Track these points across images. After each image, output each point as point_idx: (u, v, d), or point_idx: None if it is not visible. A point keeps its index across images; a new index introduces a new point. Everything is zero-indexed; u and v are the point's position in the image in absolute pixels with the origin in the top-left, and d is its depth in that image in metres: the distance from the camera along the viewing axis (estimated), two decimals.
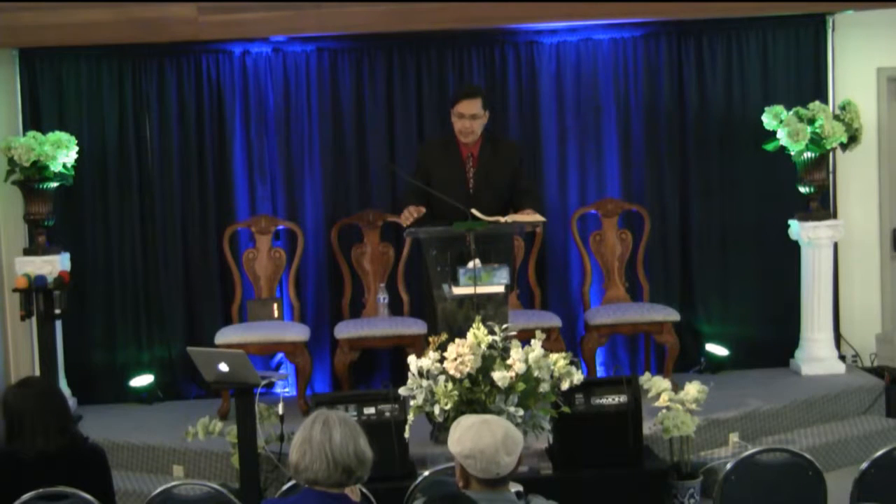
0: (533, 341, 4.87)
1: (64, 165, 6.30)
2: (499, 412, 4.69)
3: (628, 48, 6.93)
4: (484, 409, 4.67)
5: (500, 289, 5.33)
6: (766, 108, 6.53)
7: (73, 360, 6.63)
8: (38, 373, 6.31)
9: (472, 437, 3.19)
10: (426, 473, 4.27)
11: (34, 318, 6.16)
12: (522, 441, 3.29)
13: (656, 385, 5.29)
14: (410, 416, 4.88)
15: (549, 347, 4.99)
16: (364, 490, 3.94)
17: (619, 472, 5.15)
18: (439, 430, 5.16)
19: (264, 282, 6.73)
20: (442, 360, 4.81)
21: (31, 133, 6.29)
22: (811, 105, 6.48)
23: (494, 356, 4.83)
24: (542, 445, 5.31)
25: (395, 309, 6.69)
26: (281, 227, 6.79)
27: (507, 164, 5.76)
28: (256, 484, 4.81)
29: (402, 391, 4.89)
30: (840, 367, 6.70)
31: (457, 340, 4.83)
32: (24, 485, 3.90)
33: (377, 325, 6.41)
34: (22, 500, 3.87)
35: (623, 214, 6.91)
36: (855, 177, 7.05)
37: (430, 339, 4.90)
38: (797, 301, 6.74)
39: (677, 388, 5.42)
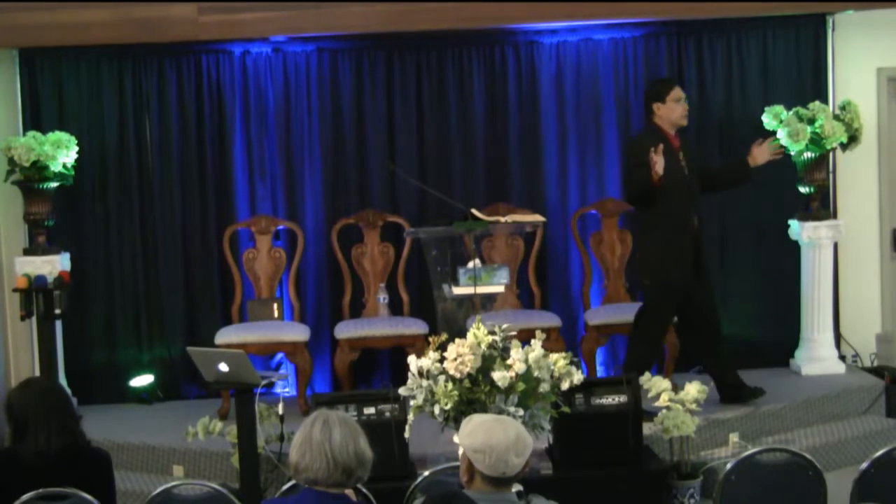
0: (533, 341, 4.87)
1: (64, 165, 6.30)
2: (499, 412, 4.69)
3: (628, 48, 6.93)
4: (484, 409, 4.67)
5: (500, 289, 5.34)
6: (766, 108, 6.53)
7: (73, 360, 6.63)
8: (38, 373, 6.31)
9: (484, 431, 3.20)
10: (426, 473, 4.27)
11: (34, 318, 6.16)
12: (532, 445, 3.29)
13: (656, 385, 5.29)
14: (410, 416, 4.88)
15: (549, 347, 4.99)
16: (364, 490, 3.94)
17: (619, 472, 5.14)
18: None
19: (264, 282, 6.73)
20: (442, 360, 4.81)
21: (31, 133, 6.29)
22: (811, 105, 6.48)
23: (494, 356, 4.83)
24: (542, 445, 5.31)
25: (395, 309, 6.69)
26: (281, 227, 6.79)
27: (693, 149, 6.10)
28: (256, 484, 4.81)
29: (402, 391, 4.89)
30: (840, 367, 6.70)
31: (457, 340, 4.84)
32: (27, 485, 3.90)
33: (377, 325, 6.42)
34: (22, 500, 3.87)
35: (623, 214, 6.91)
36: (855, 177, 7.05)
37: (431, 339, 4.91)
38: (797, 301, 6.74)
39: (677, 388, 5.42)
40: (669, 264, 5.86)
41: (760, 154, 6.12)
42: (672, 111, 5.92)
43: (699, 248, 5.97)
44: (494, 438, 3.17)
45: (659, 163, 5.63)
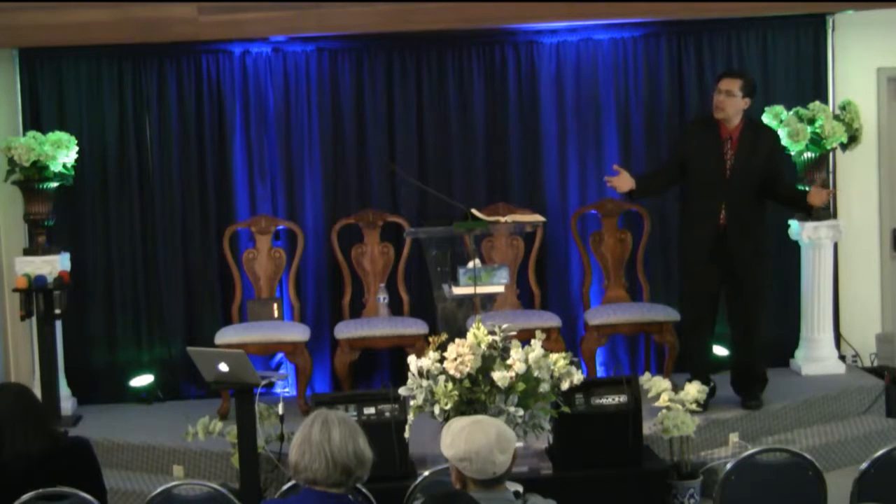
0: (533, 341, 4.87)
1: (64, 165, 6.30)
2: (499, 412, 4.70)
3: (628, 48, 6.93)
4: (484, 409, 4.68)
5: (500, 289, 5.34)
6: (766, 108, 6.53)
7: (73, 360, 6.63)
8: (38, 373, 6.31)
9: (465, 439, 3.19)
10: (426, 473, 4.27)
11: (34, 318, 6.17)
12: (515, 438, 3.29)
13: (656, 385, 5.29)
14: (410, 416, 4.89)
15: (549, 347, 5.00)
16: (364, 490, 3.94)
17: (619, 472, 5.15)
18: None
19: (264, 282, 6.73)
20: (442, 360, 4.81)
21: (31, 133, 6.29)
22: (811, 105, 6.49)
23: (494, 356, 4.83)
24: (542, 445, 5.31)
25: (395, 309, 6.69)
26: (281, 227, 6.79)
27: (764, 151, 5.93)
28: (256, 484, 4.81)
29: (402, 391, 4.90)
30: (840, 367, 6.71)
31: (457, 340, 4.84)
32: (12, 490, 3.90)
33: (377, 325, 6.41)
34: (22, 500, 3.87)
35: (623, 214, 6.91)
36: (855, 177, 7.05)
37: (431, 339, 4.92)
38: (797, 301, 6.74)
39: (677, 388, 5.42)
40: (687, 251, 6.09)
41: (817, 197, 5.99)
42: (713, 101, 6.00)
43: (728, 245, 5.88)
44: (476, 443, 3.16)
45: (614, 184, 5.89)
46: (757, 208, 5.97)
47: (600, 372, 6.75)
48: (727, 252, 5.89)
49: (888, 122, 7.08)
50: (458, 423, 3.27)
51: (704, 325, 6.05)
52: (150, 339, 6.84)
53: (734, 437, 5.78)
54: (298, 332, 6.36)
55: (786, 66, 6.94)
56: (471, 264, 5.18)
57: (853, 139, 6.55)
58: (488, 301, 5.40)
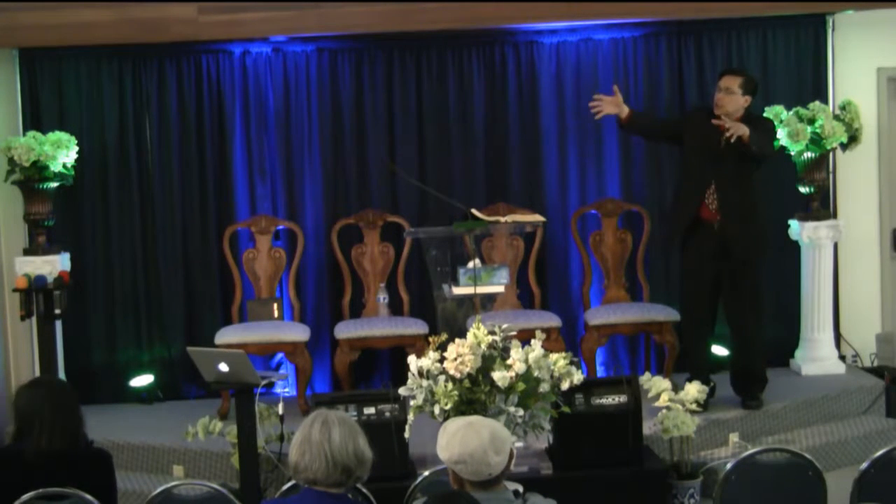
0: (533, 341, 4.87)
1: (64, 165, 6.30)
2: (499, 412, 4.70)
3: (628, 48, 6.93)
4: (484, 410, 4.68)
5: (500, 289, 5.34)
6: (766, 108, 6.53)
7: (73, 360, 6.63)
8: (38, 373, 6.31)
9: (458, 441, 3.19)
10: (426, 473, 4.27)
11: (34, 318, 6.17)
12: (511, 438, 3.29)
13: (656, 385, 5.29)
14: (410, 416, 4.89)
15: (549, 347, 5.00)
16: (364, 490, 3.95)
17: (619, 472, 5.15)
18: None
19: (264, 282, 6.73)
20: (442, 360, 4.81)
21: (31, 133, 6.29)
22: (811, 105, 6.49)
23: (494, 356, 4.83)
24: (542, 445, 5.31)
25: (395, 309, 6.69)
26: (281, 227, 6.79)
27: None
28: (256, 484, 4.81)
29: (402, 391, 4.90)
30: (840, 367, 6.71)
31: (457, 340, 4.84)
32: (28, 483, 3.90)
33: (377, 325, 6.42)
34: (22, 500, 3.87)
35: (623, 214, 6.91)
36: (855, 177, 7.05)
37: (431, 339, 4.92)
38: (797, 301, 6.74)
39: (677, 388, 5.42)
40: (686, 250, 6.06)
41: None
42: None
43: (725, 235, 5.88)
44: (470, 445, 3.17)
45: (600, 106, 6.01)
46: (749, 192, 5.92)
47: (600, 372, 6.75)
48: (725, 247, 5.89)
49: (888, 122, 7.08)
50: (452, 426, 3.27)
51: (704, 324, 6.05)
52: (150, 339, 6.84)
53: (734, 437, 5.78)
54: (298, 332, 6.36)
55: (786, 66, 6.94)
56: (471, 264, 5.19)
57: (853, 139, 6.55)
58: (488, 301, 5.41)
